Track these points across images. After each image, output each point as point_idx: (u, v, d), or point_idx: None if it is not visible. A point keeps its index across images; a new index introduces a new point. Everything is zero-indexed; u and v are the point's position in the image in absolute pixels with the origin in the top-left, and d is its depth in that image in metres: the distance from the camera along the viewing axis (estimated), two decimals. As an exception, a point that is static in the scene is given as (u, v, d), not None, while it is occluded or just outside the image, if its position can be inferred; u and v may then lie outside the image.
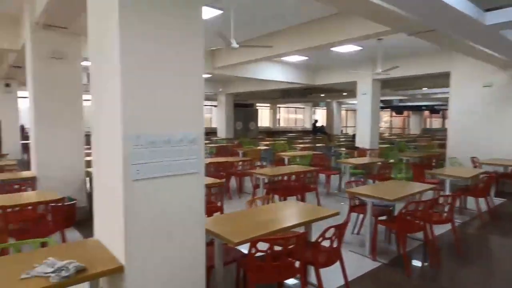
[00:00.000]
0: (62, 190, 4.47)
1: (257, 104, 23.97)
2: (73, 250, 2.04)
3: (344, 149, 10.08)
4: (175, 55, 1.94)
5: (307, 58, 10.29)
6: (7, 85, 10.65)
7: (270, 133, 21.44)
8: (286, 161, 7.84)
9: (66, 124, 4.92)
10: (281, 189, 5.26)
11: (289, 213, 2.97)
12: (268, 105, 25.59)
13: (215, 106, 22.55)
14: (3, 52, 7.99)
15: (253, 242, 2.18)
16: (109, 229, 2.01)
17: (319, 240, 2.46)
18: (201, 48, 2.05)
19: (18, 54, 7.05)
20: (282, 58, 9.89)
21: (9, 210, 3.16)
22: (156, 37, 1.86)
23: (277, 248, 2.26)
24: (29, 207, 3.49)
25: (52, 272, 1.68)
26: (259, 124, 21.78)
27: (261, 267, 2.25)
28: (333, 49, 8.00)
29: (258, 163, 8.63)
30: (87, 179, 5.20)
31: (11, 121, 10.75)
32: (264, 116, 25.18)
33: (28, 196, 3.67)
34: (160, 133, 1.90)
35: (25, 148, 11.07)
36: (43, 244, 2.45)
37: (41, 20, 4.51)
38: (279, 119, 26.62)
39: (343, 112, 26.91)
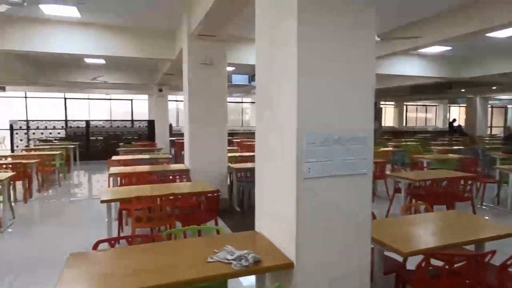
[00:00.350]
0: (208, 182, 4.98)
1: (381, 102, 22.40)
2: (239, 240, 2.17)
3: (500, 153, 8.45)
4: (347, 54, 1.86)
5: (449, 48, 9.01)
6: (160, 90, 12.60)
7: (396, 133, 19.73)
8: (425, 164, 7.01)
9: (213, 123, 5.46)
10: (426, 196, 4.70)
11: (450, 225, 2.57)
12: (393, 103, 23.62)
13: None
14: (160, 61, 9.42)
15: (427, 255, 1.93)
16: (276, 224, 2.07)
17: (508, 263, 2.04)
18: (372, 46, 1.91)
19: (171, 63, 8.23)
20: (418, 50, 8.90)
21: (170, 197, 3.65)
22: (329, 36, 1.81)
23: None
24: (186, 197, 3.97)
25: (233, 260, 1.80)
26: (383, 124, 20.28)
27: (434, 286, 1.98)
28: (488, 34, 6.75)
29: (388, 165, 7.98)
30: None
31: (162, 120, 12.69)
32: (388, 115, 23.36)
33: (187, 186, 4.19)
34: (332, 132, 1.85)
35: (172, 143, 12.92)
36: (199, 233, 2.71)
37: (196, 31, 5.10)
38: (406, 118, 24.29)
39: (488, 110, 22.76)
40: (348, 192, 1.91)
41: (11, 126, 11.82)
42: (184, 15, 5.36)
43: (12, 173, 4.91)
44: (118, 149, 9.06)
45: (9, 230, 4.60)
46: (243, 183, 5.61)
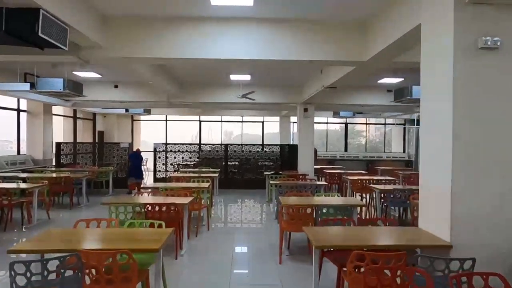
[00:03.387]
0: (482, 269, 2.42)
1: None
2: None
3: None
4: None
5: None
6: (305, 110, 10.70)
7: None
8: None
9: (501, 153, 2.91)
10: None
11: None
12: None
13: None
14: (333, 68, 7.36)
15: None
16: None
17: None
18: None
19: (356, 68, 6.04)
20: None
21: None
22: None
23: None
24: None
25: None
26: None
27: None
28: None
29: None
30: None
31: (307, 145, 10.68)
32: None
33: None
34: None
35: (317, 170, 10.79)
36: None
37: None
38: None
39: None
40: None
41: (154, 149, 11.47)
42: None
43: (172, 229, 3.23)
44: (272, 182, 7.18)
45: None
46: None
